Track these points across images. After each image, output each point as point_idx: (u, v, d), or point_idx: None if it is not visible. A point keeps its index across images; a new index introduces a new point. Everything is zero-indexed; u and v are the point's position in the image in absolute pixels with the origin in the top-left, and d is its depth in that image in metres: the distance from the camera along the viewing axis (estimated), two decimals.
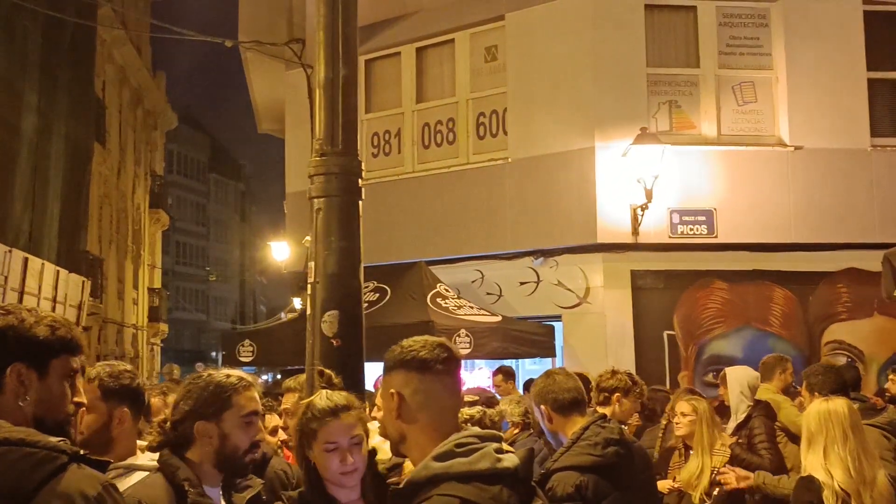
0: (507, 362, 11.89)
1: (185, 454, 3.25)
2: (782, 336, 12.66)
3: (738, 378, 7.80)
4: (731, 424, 7.57)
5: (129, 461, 3.52)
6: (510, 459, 2.75)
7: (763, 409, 7.64)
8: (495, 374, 11.15)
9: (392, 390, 2.84)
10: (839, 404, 4.88)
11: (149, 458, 3.57)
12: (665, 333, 12.71)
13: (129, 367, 3.76)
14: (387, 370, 2.91)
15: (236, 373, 3.38)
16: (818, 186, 12.82)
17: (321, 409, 3.37)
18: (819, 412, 4.85)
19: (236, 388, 3.28)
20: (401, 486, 2.75)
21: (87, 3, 20.38)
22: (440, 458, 2.70)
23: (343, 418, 3.35)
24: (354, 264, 4.57)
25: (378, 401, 4.47)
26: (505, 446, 2.85)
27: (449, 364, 2.87)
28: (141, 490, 3.18)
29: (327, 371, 3.60)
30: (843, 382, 6.69)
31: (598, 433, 4.23)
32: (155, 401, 5.14)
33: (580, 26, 13.08)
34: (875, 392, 10.39)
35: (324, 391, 3.47)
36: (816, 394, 6.15)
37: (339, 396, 3.42)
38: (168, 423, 3.32)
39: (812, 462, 4.77)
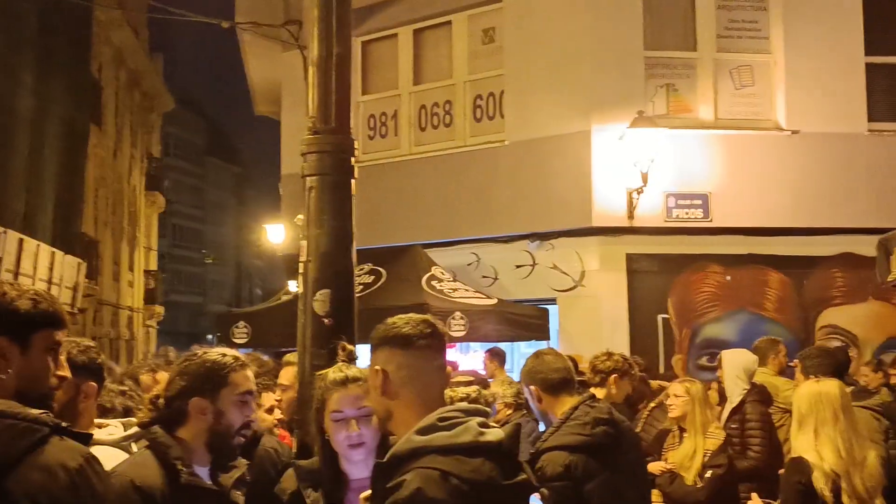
0: (502, 345, 11.89)
1: (176, 432, 3.26)
2: (777, 320, 12.66)
3: (735, 362, 7.80)
4: (727, 408, 7.59)
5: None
6: (494, 433, 2.76)
7: (757, 394, 7.65)
8: (486, 355, 11.18)
9: (377, 367, 2.87)
10: (830, 386, 4.88)
11: (107, 433, 3.58)
12: (660, 317, 12.70)
13: (93, 343, 3.77)
14: (373, 348, 2.94)
15: (231, 352, 3.41)
16: (815, 171, 12.80)
17: (332, 379, 3.45)
18: (810, 394, 4.84)
19: (233, 367, 3.30)
20: (384, 459, 2.76)
21: None
22: (422, 431, 2.72)
23: (351, 389, 3.40)
24: (347, 243, 4.57)
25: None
26: (490, 422, 2.85)
27: (432, 340, 2.90)
28: (132, 469, 3.17)
29: (349, 346, 3.67)
30: (838, 365, 6.70)
31: (588, 413, 4.24)
32: (144, 378, 5.12)
33: (578, 9, 13.03)
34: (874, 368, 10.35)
35: (340, 364, 3.51)
36: (811, 376, 6.16)
37: (353, 369, 3.49)
38: (161, 400, 3.32)
39: (802, 443, 4.77)
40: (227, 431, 3.26)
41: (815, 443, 4.70)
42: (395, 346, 2.87)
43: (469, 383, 5.75)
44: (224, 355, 3.35)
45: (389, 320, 2.95)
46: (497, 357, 11.13)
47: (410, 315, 2.96)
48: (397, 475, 2.65)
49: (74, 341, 3.66)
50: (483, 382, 7.00)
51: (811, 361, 6.65)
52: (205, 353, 3.38)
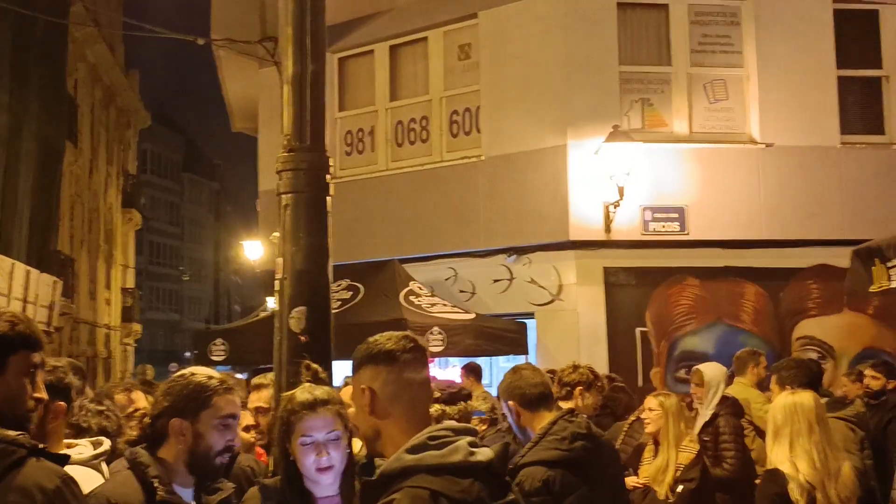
0: (480, 360, 11.89)
1: (158, 452, 3.25)
2: (753, 332, 12.73)
3: (715, 375, 7.88)
4: (700, 421, 7.62)
5: None
6: (484, 453, 2.76)
7: (730, 407, 7.70)
8: (462, 371, 11.18)
9: (363, 386, 2.86)
10: (805, 397, 4.90)
11: (76, 453, 3.57)
12: (638, 330, 12.75)
13: (62, 362, 3.76)
14: (355, 368, 2.92)
15: (220, 375, 3.38)
16: (789, 183, 12.91)
17: (300, 401, 3.38)
18: (785, 405, 4.86)
19: (216, 390, 3.28)
20: (373, 477, 2.75)
21: (58, 1, 20.24)
22: (413, 450, 2.71)
23: (321, 412, 3.35)
24: (323, 260, 4.57)
25: (348, 400, 4.45)
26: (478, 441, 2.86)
27: (415, 354, 2.91)
28: (110, 488, 3.18)
29: (314, 365, 3.59)
30: (813, 376, 6.75)
31: (566, 428, 4.25)
32: (119, 397, 5.12)
33: (553, 24, 13.10)
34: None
35: (307, 384, 3.47)
36: (787, 387, 6.19)
37: (321, 391, 3.42)
38: (146, 419, 3.32)
39: (778, 455, 4.78)
40: (207, 454, 3.24)
41: (790, 454, 4.72)
42: (380, 363, 2.86)
43: (452, 394, 5.69)
44: (211, 378, 3.33)
45: (370, 339, 2.95)
46: (473, 373, 11.13)
47: (390, 332, 2.96)
48: (386, 494, 2.64)
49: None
50: (458, 394, 6.98)
51: (788, 372, 6.69)
52: (192, 374, 3.36)
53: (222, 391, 3.29)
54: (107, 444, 3.77)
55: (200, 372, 3.39)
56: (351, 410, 3.22)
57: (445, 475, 2.65)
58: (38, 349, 2.56)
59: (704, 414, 7.60)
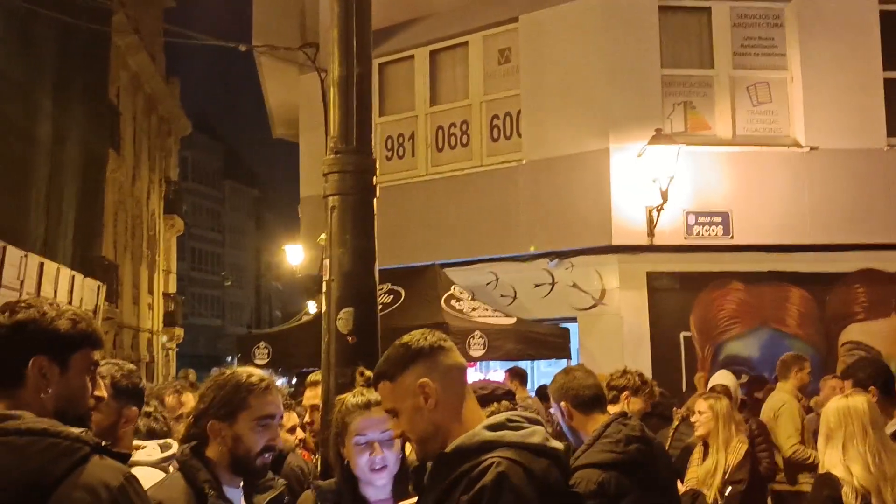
0: (522, 364, 11.87)
1: (206, 452, 3.23)
2: (799, 336, 12.59)
3: (731, 383, 7.97)
4: None
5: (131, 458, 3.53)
6: (557, 444, 2.82)
7: (749, 412, 7.80)
8: (507, 374, 11.15)
9: (419, 382, 2.84)
10: (859, 401, 4.84)
11: (146, 454, 3.59)
12: (682, 335, 12.65)
13: (134, 366, 3.78)
14: (398, 372, 2.89)
15: (258, 373, 3.31)
16: (834, 187, 12.75)
17: (354, 403, 3.39)
18: (838, 408, 4.80)
19: (253, 390, 3.21)
20: (447, 450, 2.75)
21: (101, 10, 20.48)
22: (492, 428, 2.76)
23: (374, 412, 3.33)
24: (369, 262, 4.58)
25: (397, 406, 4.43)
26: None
27: (446, 343, 2.94)
28: (161, 492, 3.15)
29: (367, 371, 3.55)
30: (888, 377, 6.63)
31: (620, 430, 4.20)
32: (169, 399, 5.16)
33: (594, 27, 13.05)
34: None
35: (360, 388, 3.47)
36: (872, 388, 6.10)
37: (374, 393, 3.40)
38: (191, 419, 3.31)
39: (831, 458, 4.72)
40: (247, 455, 3.19)
41: (843, 458, 4.66)
42: (427, 358, 2.87)
43: (484, 396, 5.58)
44: (249, 376, 3.26)
45: (400, 342, 2.95)
46: (518, 377, 11.10)
47: (417, 331, 2.98)
48: (464, 467, 2.66)
49: (117, 364, 3.68)
50: (496, 394, 6.90)
51: (863, 374, 6.60)
52: (231, 373, 3.31)
53: (259, 391, 3.22)
54: (175, 446, 3.77)
55: (240, 370, 3.35)
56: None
57: (527, 453, 2.69)
58: (98, 347, 2.58)
59: None
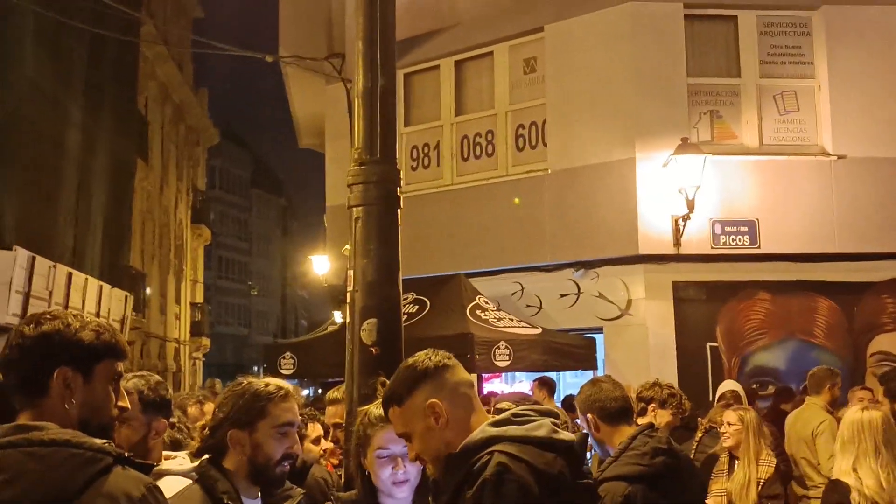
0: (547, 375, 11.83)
1: (223, 463, 3.24)
2: (827, 347, 12.49)
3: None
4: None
5: (160, 467, 3.54)
6: (567, 434, 2.83)
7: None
8: (535, 384, 11.11)
9: (429, 402, 2.85)
10: (875, 416, 4.83)
11: (177, 463, 3.60)
12: (708, 345, 12.58)
13: (160, 378, 3.80)
14: (405, 395, 2.91)
15: (276, 381, 3.33)
16: (862, 196, 12.66)
17: (377, 415, 3.37)
18: (853, 421, 4.82)
19: (272, 398, 3.23)
20: (457, 450, 2.79)
21: (130, 21, 20.66)
22: (496, 424, 2.79)
23: None
24: (393, 273, 4.58)
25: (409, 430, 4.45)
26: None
27: (450, 360, 2.96)
28: (178, 502, 3.17)
29: (388, 381, 3.59)
30: None
31: (646, 443, 4.17)
32: (192, 409, 5.19)
33: (619, 36, 13.03)
34: None
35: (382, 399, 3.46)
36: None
37: None
38: (206, 430, 3.32)
39: (842, 466, 4.78)
40: (267, 464, 3.20)
41: (855, 469, 4.71)
42: (434, 377, 2.89)
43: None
44: (267, 385, 3.28)
45: (405, 364, 2.97)
46: (546, 386, 11.07)
47: (416, 354, 3.00)
48: (470, 462, 2.69)
49: (144, 378, 3.70)
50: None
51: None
52: (248, 383, 3.32)
53: (278, 399, 3.24)
54: (205, 456, 3.79)
55: (257, 380, 3.36)
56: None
57: (530, 446, 2.72)
58: (122, 358, 2.60)
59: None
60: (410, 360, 2.96)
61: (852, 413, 4.97)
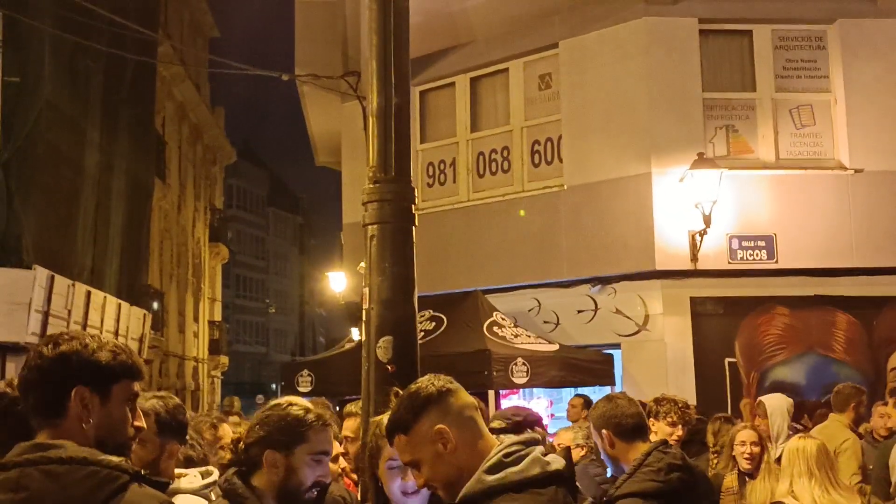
0: (565, 391, 11.79)
1: (251, 480, 3.24)
2: (846, 362, 12.42)
3: (777, 406, 7.76)
4: (774, 452, 7.46)
5: (173, 486, 3.55)
6: (556, 461, 2.81)
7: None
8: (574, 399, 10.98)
9: (436, 428, 2.82)
10: (809, 444, 5.39)
11: (187, 482, 3.61)
12: (726, 360, 12.53)
13: (178, 399, 3.82)
14: (412, 422, 2.87)
15: (316, 410, 3.35)
16: (879, 209, 12.61)
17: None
18: (790, 450, 5.44)
19: (312, 425, 3.26)
20: (456, 500, 2.76)
21: (147, 41, 20.82)
22: (491, 470, 2.74)
23: None
24: (409, 290, 4.59)
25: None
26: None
27: (453, 385, 2.93)
28: None
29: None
30: None
31: (661, 459, 4.17)
32: (207, 434, 5.21)
33: (634, 52, 13.05)
34: None
35: None
36: None
37: None
38: (241, 444, 3.32)
39: (781, 489, 5.41)
40: (298, 489, 3.21)
41: (790, 490, 5.32)
42: (439, 402, 2.86)
43: (517, 423, 5.53)
44: (308, 411, 3.30)
45: (409, 390, 2.95)
46: (588, 405, 10.97)
47: (418, 380, 2.98)
48: None
49: (163, 400, 3.72)
50: (529, 420, 6.86)
51: None
52: (290, 404, 3.33)
53: (319, 427, 3.27)
54: (216, 473, 3.80)
55: (298, 403, 3.36)
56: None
57: (529, 490, 2.70)
58: (138, 378, 2.64)
59: (776, 448, 7.42)
60: (413, 387, 2.93)
61: (791, 442, 5.56)
